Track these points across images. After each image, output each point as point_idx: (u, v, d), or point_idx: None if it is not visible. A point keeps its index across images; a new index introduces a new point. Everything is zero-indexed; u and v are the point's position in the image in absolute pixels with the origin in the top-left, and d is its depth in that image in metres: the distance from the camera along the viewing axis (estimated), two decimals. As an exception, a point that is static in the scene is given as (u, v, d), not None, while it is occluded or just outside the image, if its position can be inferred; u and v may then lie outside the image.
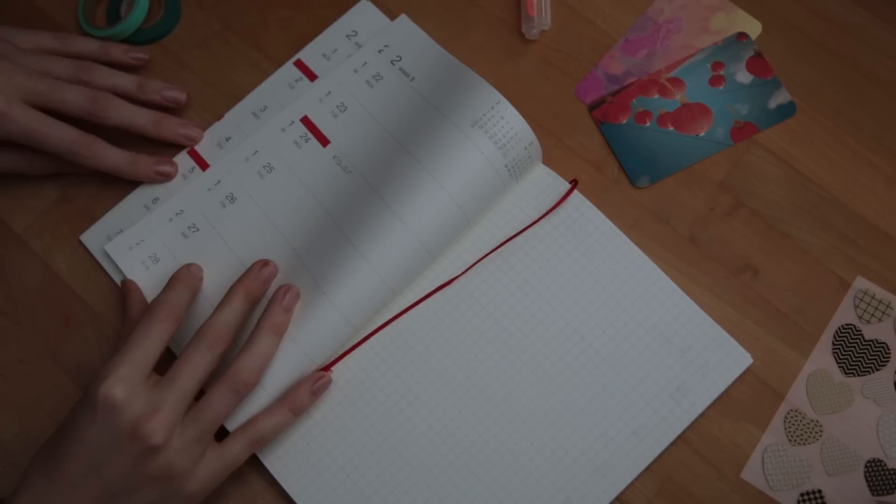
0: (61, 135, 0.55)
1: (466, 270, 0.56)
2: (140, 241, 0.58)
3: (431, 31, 0.63)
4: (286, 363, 0.53)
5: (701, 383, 0.53)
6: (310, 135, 0.60)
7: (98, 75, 0.58)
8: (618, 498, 0.52)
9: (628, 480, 0.52)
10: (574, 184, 0.58)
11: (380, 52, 0.62)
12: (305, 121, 0.61)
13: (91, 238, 0.59)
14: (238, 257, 0.57)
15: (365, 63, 0.62)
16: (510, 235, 0.57)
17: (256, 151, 0.60)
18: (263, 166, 0.60)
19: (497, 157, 0.56)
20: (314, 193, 0.58)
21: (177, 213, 0.59)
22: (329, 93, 0.61)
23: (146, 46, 0.64)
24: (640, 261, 0.56)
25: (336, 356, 0.55)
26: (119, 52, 0.61)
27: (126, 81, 0.59)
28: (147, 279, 0.57)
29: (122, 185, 0.60)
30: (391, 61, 0.61)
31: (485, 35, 0.63)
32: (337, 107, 0.61)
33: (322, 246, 0.56)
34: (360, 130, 0.60)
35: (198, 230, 0.58)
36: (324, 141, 0.60)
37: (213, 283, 0.57)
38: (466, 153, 0.55)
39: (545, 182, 0.58)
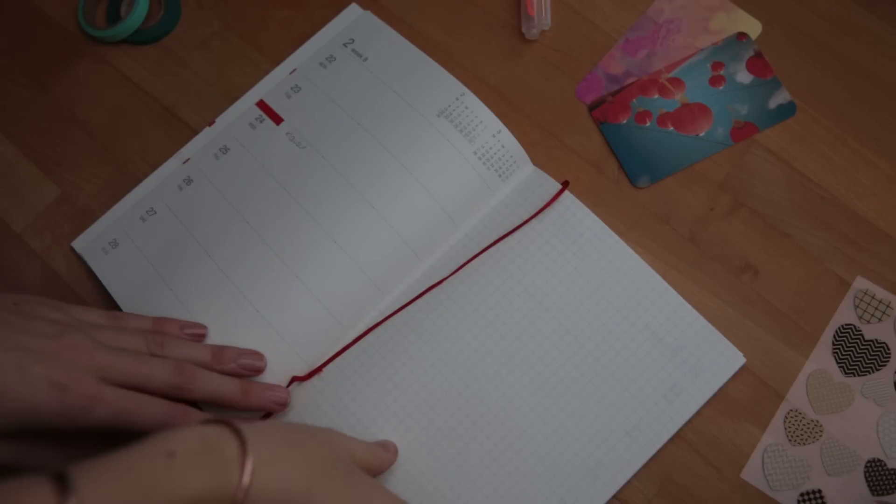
0: (154, 410, 0.49)
1: (457, 271, 0.56)
2: (102, 230, 0.59)
3: (431, 31, 0.63)
4: (278, 361, 0.54)
5: (694, 383, 0.53)
6: (264, 116, 0.61)
7: (171, 347, 0.52)
8: (617, 498, 0.52)
9: (622, 482, 0.52)
10: (565, 185, 0.58)
11: (335, 39, 0.63)
12: (261, 104, 0.61)
13: (83, 244, 0.59)
14: (198, 241, 0.57)
15: (319, 48, 0.63)
16: (500, 236, 0.57)
17: (212, 136, 0.61)
18: (219, 148, 0.60)
19: (463, 144, 0.57)
20: (269, 170, 0.59)
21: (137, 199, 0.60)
22: (283, 75, 0.62)
23: (146, 46, 0.64)
24: (632, 261, 0.56)
25: (327, 357, 0.55)
26: (175, 328, 0.54)
27: (200, 352, 0.53)
28: (106, 264, 0.58)
29: (122, 185, 0.60)
30: (343, 44, 0.62)
31: (485, 35, 0.63)
32: (291, 88, 0.61)
33: (287, 228, 0.57)
34: (314, 108, 0.60)
35: (155, 213, 0.59)
36: (277, 119, 0.60)
37: (172, 266, 0.57)
38: (432, 139, 0.57)
39: (536, 183, 0.58)
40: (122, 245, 0.58)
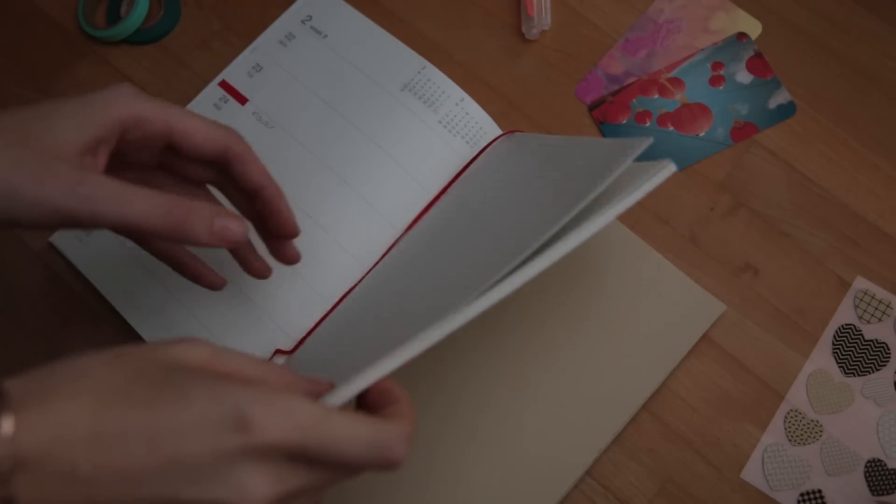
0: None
1: (413, 223, 0.56)
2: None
3: (431, 31, 0.63)
4: (263, 338, 0.54)
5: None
6: (228, 96, 0.61)
7: None
8: (618, 497, 0.52)
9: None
10: (517, 131, 0.59)
11: (292, 16, 0.64)
12: (223, 84, 0.62)
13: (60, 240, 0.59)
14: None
15: (277, 25, 0.64)
16: (452, 178, 0.57)
17: None
18: None
19: (428, 114, 0.58)
20: None
21: None
22: (244, 55, 0.63)
23: (146, 46, 0.64)
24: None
25: (308, 328, 0.55)
26: None
27: None
28: (83, 254, 0.57)
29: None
30: (301, 21, 0.63)
31: (485, 35, 0.63)
32: (253, 67, 0.62)
33: None
34: (278, 87, 0.61)
35: None
36: (241, 100, 0.61)
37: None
38: (398, 113, 0.58)
39: (495, 134, 0.59)
40: (97, 234, 0.58)
